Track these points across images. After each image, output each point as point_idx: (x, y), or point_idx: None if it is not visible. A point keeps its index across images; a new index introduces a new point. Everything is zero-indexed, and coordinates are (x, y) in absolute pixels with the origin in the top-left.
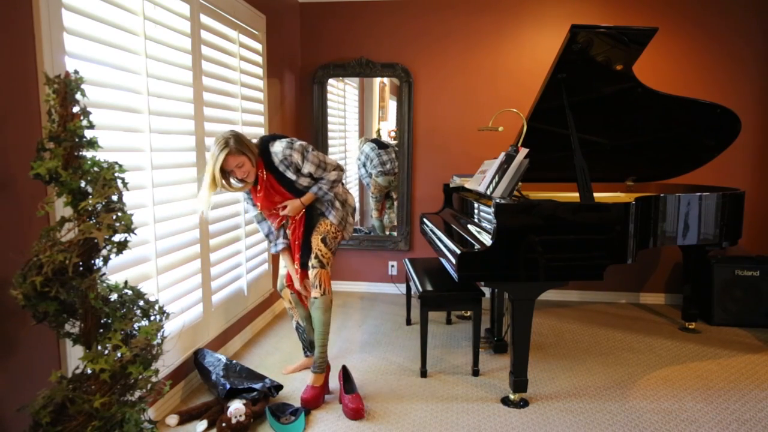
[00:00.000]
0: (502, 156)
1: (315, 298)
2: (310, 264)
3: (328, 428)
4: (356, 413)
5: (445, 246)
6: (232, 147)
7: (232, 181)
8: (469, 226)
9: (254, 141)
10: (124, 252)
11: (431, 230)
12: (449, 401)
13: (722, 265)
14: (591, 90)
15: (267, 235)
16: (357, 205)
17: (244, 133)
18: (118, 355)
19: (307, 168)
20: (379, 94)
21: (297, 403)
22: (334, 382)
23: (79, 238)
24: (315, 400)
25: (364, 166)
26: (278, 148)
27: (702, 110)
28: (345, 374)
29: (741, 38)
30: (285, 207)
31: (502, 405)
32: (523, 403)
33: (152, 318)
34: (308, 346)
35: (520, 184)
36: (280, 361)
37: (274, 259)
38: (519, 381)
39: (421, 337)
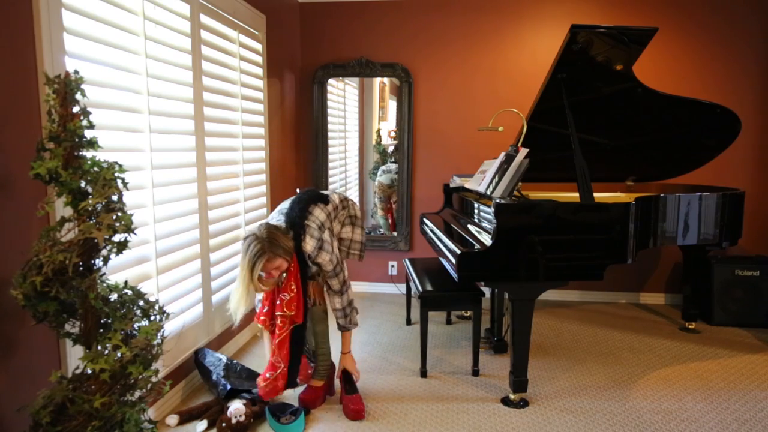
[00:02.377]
0: (502, 156)
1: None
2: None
3: (328, 428)
4: (357, 414)
5: (445, 246)
6: (270, 252)
7: (262, 282)
8: (469, 226)
9: (281, 222)
10: (124, 252)
11: (431, 230)
12: (449, 401)
13: (722, 265)
14: (591, 90)
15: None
16: (358, 212)
17: (275, 230)
18: (118, 355)
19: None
20: (379, 94)
21: (296, 403)
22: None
23: (79, 238)
24: (314, 400)
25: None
26: (309, 246)
27: (702, 110)
28: (345, 375)
29: (741, 38)
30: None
31: (502, 405)
32: (523, 403)
33: (152, 318)
34: (311, 356)
35: (520, 184)
36: None
37: None
38: (519, 381)
39: (421, 337)
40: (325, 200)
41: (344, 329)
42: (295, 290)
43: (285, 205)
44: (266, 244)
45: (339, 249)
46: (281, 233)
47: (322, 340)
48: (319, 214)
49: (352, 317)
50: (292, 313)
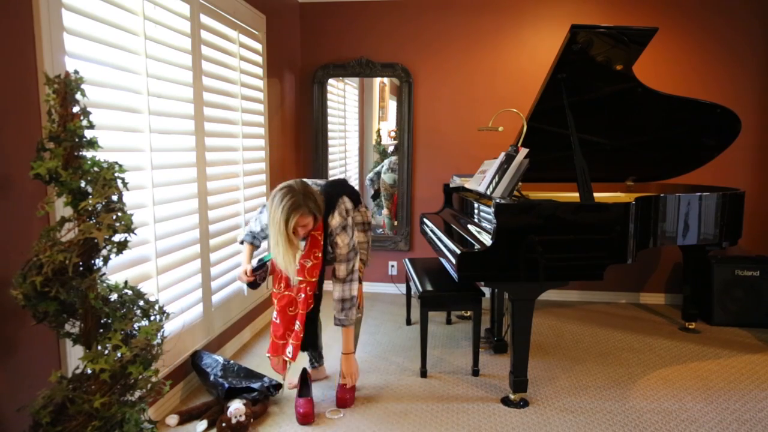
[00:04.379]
0: (502, 156)
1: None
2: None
3: (331, 428)
4: (306, 418)
5: (445, 246)
6: (300, 205)
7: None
8: (469, 226)
9: (316, 186)
10: (124, 252)
11: (431, 230)
12: (449, 401)
13: (722, 265)
14: (591, 90)
15: (253, 236)
16: (371, 219)
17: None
18: (118, 355)
19: (337, 246)
20: (379, 94)
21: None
22: (323, 388)
23: (79, 238)
24: (350, 399)
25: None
26: (335, 222)
27: (702, 110)
28: (302, 375)
29: (741, 38)
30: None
31: (502, 405)
32: (523, 403)
33: (152, 318)
34: (316, 358)
35: (520, 184)
36: None
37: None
38: (519, 381)
39: (421, 337)
40: (358, 199)
41: (340, 323)
42: (319, 257)
43: (319, 180)
44: (301, 198)
45: None
46: (315, 193)
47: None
48: (348, 203)
49: (349, 314)
50: (314, 279)
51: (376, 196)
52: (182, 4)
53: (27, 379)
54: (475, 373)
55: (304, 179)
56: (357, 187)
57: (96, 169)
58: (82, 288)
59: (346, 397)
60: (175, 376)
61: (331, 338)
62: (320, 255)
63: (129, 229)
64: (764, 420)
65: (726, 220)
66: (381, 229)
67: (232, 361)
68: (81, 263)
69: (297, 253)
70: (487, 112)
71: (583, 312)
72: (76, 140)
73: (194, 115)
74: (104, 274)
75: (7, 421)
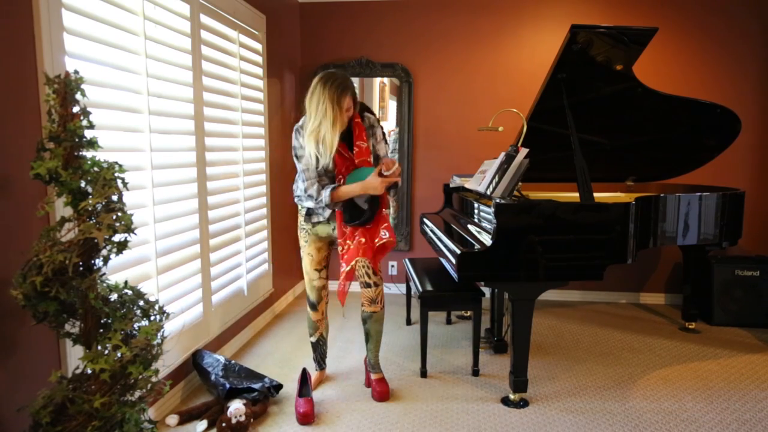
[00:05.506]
0: (502, 156)
1: (374, 312)
2: (372, 281)
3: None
4: (306, 418)
5: (445, 246)
6: (348, 85)
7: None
8: (469, 226)
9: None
10: (124, 252)
11: (431, 230)
12: (449, 401)
13: (722, 265)
14: (591, 90)
15: (315, 197)
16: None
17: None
18: (118, 355)
19: (381, 150)
20: (379, 94)
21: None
22: (323, 388)
23: (79, 238)
24: (388, 392)
25: None
26: (372, 116)
27: (702, 110)
28: (303, 375)
29: (741, 38)
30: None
31: (502, 405)
32: (523, 403)
33: (152, 318)
34: (322, 360)
35: (520, 184)
36: (280, 361)
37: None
38: (519, 381)
39: (421, 337)
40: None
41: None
42: (365, 144)
43: None
44: (346, 80)
45: None
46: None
47: (379, 339)
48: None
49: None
50: (370, 159)
51: None
52: (182, 4)
53: (27, 379)
54: (475, 373)
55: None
56: None
57: (96, 169)
58: (82, 288)
59: (385, 390)
60: (175, 376)
61: (333, 338)
62: (366, 145)
63: (129, 229)
64: (764, 420)
65: (726, 220)
66: None
67: (233, 361)
68: (81, 263)
69: (338, 135)
70: (487, 112)
71: (583, 312)
72: (76, 140)
73: (194, 115)
74: (104, 274)
75: (7, 421)
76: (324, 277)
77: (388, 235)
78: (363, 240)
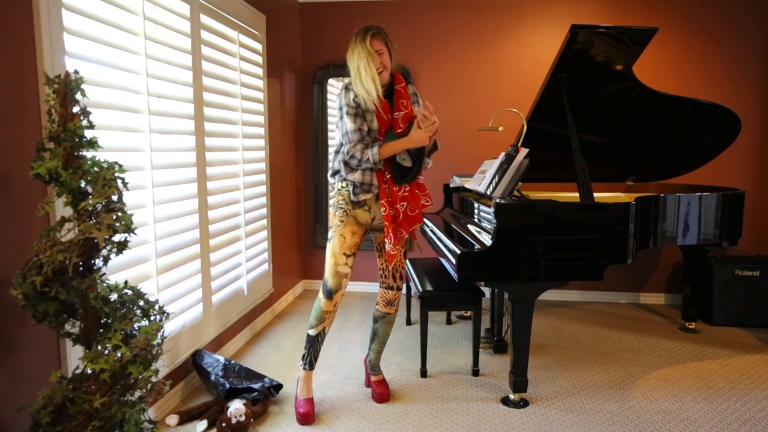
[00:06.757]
0: (502, 156)
1: (388, 313)
2: (396, 285)
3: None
4: (306, 418)
5: (445, 246)
6: (377, 30)
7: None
8: (469, 226)
9: None
10: (124, 252)
11: (431, 230)
12: (449, 401)
13: (722, 265)
14: (591, 90)
15: (360, 157)
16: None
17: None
18: (118, 355)
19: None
20: None
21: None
22: (323, 388)
23: (79, 238)
24: (389, 394)
25: None
26: (413, 88)
27: (702, 110)
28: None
29: (741, 38)
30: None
31: (502, 405)
32: (523, 403)
33: (152, 318)
34: (314, 359)
35: (520, 184)
36: (280, 361)
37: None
38: (519, 381)
39: (421, 337)
40: None
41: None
42: (407, 106)
43: None
44: (373, 27)
45: None
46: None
47: (386, 340)
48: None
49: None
50: (413, 121)
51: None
52: (182, 4)
53: (27, 379)
54: (475, 373)
55: None
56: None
57: (96, 169)
58: (82, 288)
59: (385, 392)
60: (175, 376)
61: (333, 338)
62: (406, 105)
63: (129, 229)
64: (764, 420)
65: (726, 220)
66: None
67: (233, 361)
68: (81, 263)
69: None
70: (487, 112)
71: (583, 312)
72: (76, 140)
73: (194, 115)
74: (104, 274)
75: (7, 421)
76: (351, 265)
77: (429, 202)
78: (409, 207)
